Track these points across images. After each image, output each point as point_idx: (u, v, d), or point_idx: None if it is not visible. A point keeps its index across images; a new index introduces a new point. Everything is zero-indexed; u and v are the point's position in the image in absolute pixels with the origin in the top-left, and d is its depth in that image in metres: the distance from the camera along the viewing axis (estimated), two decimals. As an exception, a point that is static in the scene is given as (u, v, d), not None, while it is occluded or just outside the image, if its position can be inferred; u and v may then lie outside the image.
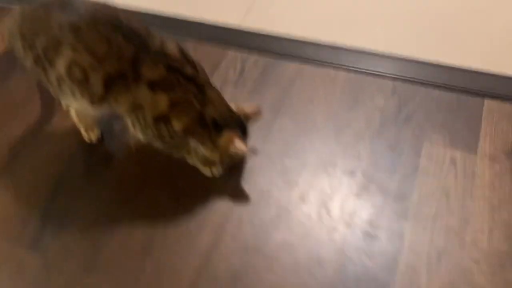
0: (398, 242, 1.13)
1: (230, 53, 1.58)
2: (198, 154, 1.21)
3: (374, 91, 1.44)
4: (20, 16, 1.12)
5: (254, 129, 1.35)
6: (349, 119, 1.38)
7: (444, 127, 1.33)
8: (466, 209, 1.18)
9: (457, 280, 1.06)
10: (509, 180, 1.22)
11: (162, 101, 1.06)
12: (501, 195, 1.20)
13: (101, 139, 1.35)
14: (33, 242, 1.15)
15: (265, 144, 1.33)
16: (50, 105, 1.44)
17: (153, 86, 1.05)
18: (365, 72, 1.48)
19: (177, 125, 1.08)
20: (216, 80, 1.50)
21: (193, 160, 1.23)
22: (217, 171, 1.24)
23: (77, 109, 1.29)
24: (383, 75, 1.47)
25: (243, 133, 1.17)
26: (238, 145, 1.11)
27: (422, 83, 1.43)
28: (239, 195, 1.22)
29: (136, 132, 1.15)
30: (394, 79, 1.46)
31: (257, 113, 1.21)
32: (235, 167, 1.26)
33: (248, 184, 1.25)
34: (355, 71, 1.49)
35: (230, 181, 1.25)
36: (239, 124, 1.16)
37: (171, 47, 1.07)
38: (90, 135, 1.34)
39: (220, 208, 1.20)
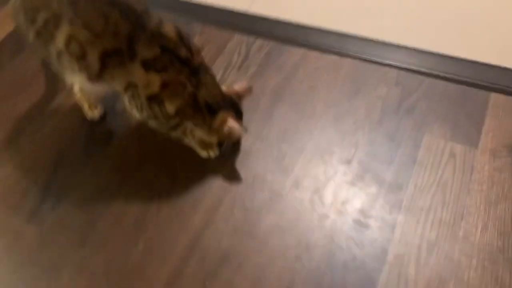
0: (389, 232, 1.12)
1: (236, 37, 1.57)
2: (195, 136, 1.22)
3: (378, 80, 1.42)
4: None
5: (253, 114, 1.36)
6: (349, 107, 1.36)
7: (446, 120, 1.31)
8: (462, 203, 1.16)
9: (446, 273, 1.05)
10: (508, 177, 1.20)
11: (155, 81, 1.07)
12: (499, 191, 1.18)
13: (103, 117, 1.38)
14: (31, 214, 1.18)
15: (263, 128, 1.33)
16: (55, 82, 1.47)
17: (147, 65, 1.06)
18: (370, 60, 1.46)
19: (169, 106, 1.09)
20: (220, 63, 1.50)
21: (189, 142, 1.24)
22: (213, 153, 1.25)
23: (80, 86, 1.31)
24: (388, 64, 1.44)
25: (237, 114, 1.17)
26: (232, 124, 1.11)
27: (428, 74, 1.41)
28: (234, 178, 1.23)
29: (132, 111, 1.17)
30: (399, 68, 1.43)
31: (247, 90, 1.22)
32: (231, 149, 1.27)
33: (244, 167, 1.25)
34: (360, 59, 1.47)
35: (226, 164, 1.26)
36: (233, 105, 1.17)
37: (168, 28, 1.08)
38: (92, 113, 1.36)
39: (214, 189, 1.22)
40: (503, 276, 1.05)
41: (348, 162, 1.25)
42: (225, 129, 1.12)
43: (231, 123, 1.12)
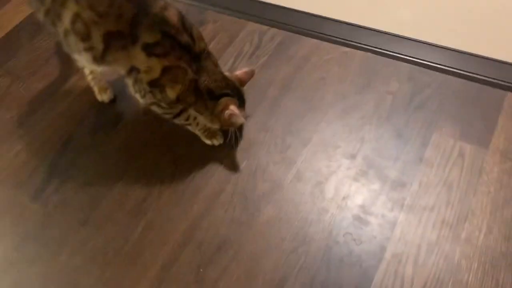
0: (389, 230, 1.10)
1: (249, 25, 1.56)
2: (198, 124, 1.22)
3: (389, 74, 1.38)
4: None
5: (260, 103, 1.35)
6: (358, 101, 1.34)
7: (457, 119, 1.27)
8: (467, 204, 1.13)
9: (445, 274, 1.03)
10: (519, 180, 1.16)
11: (156, 66, 1.07)
12: (508, 194, 1.14)
13: (113, 101, 1.39)
14: (36, 193, 1.21)
15: (269, 119, 1.32)
16: (69, 64, 1.49)
17: (148, 50, 1.06)
18: (383, 54, 1.42)
19: (170, 92, 1.10)
20: (231, 52, 1.50)
21: (193, 128, 1.24)
22: (217, 141, 1.25)
23: (89, 69, 1.33)
24: (401, 59, 1.40)
25: (240, 100, 1.17)
26: (233, 109, 1.11)
27: (442, 70, 1.36)
28: (236, 167, 1.23)
29: (135, 95, 1.17)
30: (413, 63, 1.39)
31: (249, 74, 1.22)
32: (235, 139, 1.27)
33: (247, 157, 1.25)
34: (373, 52, 1.43)
35: (229, 153, 1.26)
36: (235, 92, 1.16)
37: (171, 13, 1.07)
38: (102, 96, 1.38)
39: (216, 177, 1.22)
40: (505, 282, 1.02)
41: (353, 157, 1.23)
42: (226, 114, 1.12)
43: (232, 109, 1.11)
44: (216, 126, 1.21)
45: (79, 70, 1.45)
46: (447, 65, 1.37)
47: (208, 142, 1.26)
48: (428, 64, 1.38)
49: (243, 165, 1.23)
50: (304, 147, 1.26)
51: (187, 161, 1.25)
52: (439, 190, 1.15)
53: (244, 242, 1.11)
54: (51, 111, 1.39)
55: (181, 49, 1.07)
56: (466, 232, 1.09)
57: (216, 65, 1.15)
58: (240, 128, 1.29)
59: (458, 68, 1.36)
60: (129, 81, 1.14)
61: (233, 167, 1.23)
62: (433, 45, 1.41)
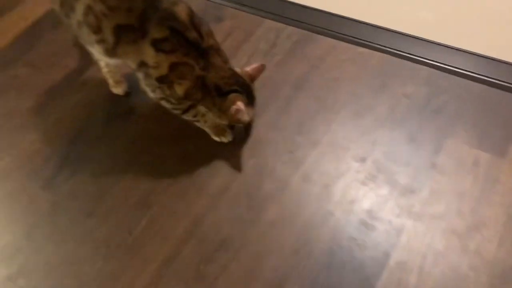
0: (395, 237, 1.07)
1: (266, 23, 1.54)
2: (207, 121, 1.22)
3: (406, 77, 1.34)
4: None
5: (271, 102, 1.34)
6: (372, 103, 1.31)
7: (474, 125, 1.22)
8: (479, 214, 1.09)
9: (450, 286, 1.00)
10: (536, 192, 1.11)
11: (163, 62, 1.07)
12: (523, 207, 1.09)
13: (127, 94, 1.40)
14: (47, 182, 1.23)
15: (280, 117, 1.31)
16: (87, 56, 1.51)
17: (157, 45, 1.06)
18: (401, 56, 1.38)
19: (178, 88, 1.10)
20: (246, 50, 1.49)
21: (201, 125, 1.24)
22: (226, 138, 1.25)
23: (104, 61, 1.34)
24: (419, 61, 1.36)
25: (250, 97, 1.16)
26: (239, 105, 1.11)
27: (462, 75, 1.32)
28: (243, 165, 1.22)
29: (146, 89, 1.18)
30: (431, 66, 1.35)
31: (259, 69, 1.21)
32: (244, 136, 1.26)
33: (255, 155, 1.24)
34: (390, 54, 1.40)
35: (237, 150, 1.25)
36: (244, 88, 1.15)
37: (180, 9, 1.07)
38: (117, 89, 1.40)
39: (222, 175, 1.21)
40: (514, 298, 0.98)
41: (363, 160, 1.20)
42: (232, 109, 1.11)
43: (239, 104, 1.11)
44: (224, 122, 1.20)
45: (96, 63, 1.47)
46: (467, 69, 1.32)
47: (217, 139, 1.25)
48: (447, 68, 1.33)
49: (250, 163, 1.22)
50: (313, 148, 1.24)
51: (195, 156, 1.25)
52: (450, 199, 1.11)
53: (246, 241, 1.10)
54: (67, 102, 1.41)
55: (189, 46, 1.07)
56: (476, 244, 1.05)
57: (225, 61, 1.14)
58: (250, 125, 1.28)
59: (479, 73, 1.31)
60: (139, 75, 1.15)
61: (240, 165, 1.22)
62: (454, 48, 1.36)
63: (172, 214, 1.16)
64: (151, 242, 1.12)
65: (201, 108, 1.18)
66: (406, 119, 1.26)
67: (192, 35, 1.07)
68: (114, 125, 1.34)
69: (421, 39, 1.40)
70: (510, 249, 1.03)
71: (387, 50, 1.40)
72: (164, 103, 1.18)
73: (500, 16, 1.44)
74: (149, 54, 1.07)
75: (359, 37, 1.43)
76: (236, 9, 1.60)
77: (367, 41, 1.42)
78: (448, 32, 1.40)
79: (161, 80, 1.10)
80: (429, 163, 1.18)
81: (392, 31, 1.43)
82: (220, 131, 1.24)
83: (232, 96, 1.13)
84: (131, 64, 1.14)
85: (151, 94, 1.18)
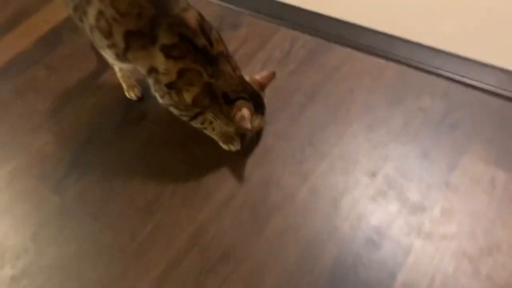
0: (402, 257, 1.03)
1: (282, 31, 1.52)
2: (215, 128, 1.21)
3: (423, 89, 1.30)
4: None
5: (282, 111, 1.32)
6: (386, 116, 1.27)
7: (492, 142, 1.17)
8: (492, 237, 1.03)
9: (458, 312, 0.95)
10: (556, 216, 1.05)
11: (172, 68, 1.07)
12: (542, 231, 1.03)
13: (140, 99, 1.41)
14: (56, 184, 1.25)
15: (291, 127, 1.28)
16: (102, 61, 1.53)
17: (166, 51, 1.06)
18: (419, 67, 1.34)
19: (186, 95, 1.09)
20: (260, 57, 1.47)
21: (209, 132, 1.23)
22: (234, 146, 1.23)
23: (117, 66, 1.35)
24: (438, 74, 1.32)
25: (258, 105, 1.15)
26: (244, 112, 1.09)
27: (481, 89, 1.26)
28: (250, 175, 1.20)
29: (156, 95, 1.18)
30: (450, 80, 1.30)
31: (269, 77, 1.20)
32: (253, 146, 1.24)
33: (262, 165, 1.22)
34: (408, 65, 1.35)
35: (244, 159, 1.24)
36: (253, 96, 1.14)
37: (189, 16, 1.07)
38: (130, 93, 1.40)
39: (229, 184, 1.20)
40: (527, 328, 0.92)
41: (373, 174, 1.17)
42: (237, 116, 1.10)
43: (243, 111, 1.10)
44: (232, 129, 1.19)
45: (111, 67, 1.48)
46: (487, 83, 1.26)
47: (225, 147, 1.24)
48: (466, 82, 1.28)
49: (257, 172, 1.21)
50: (322, 160, 1.21)
51: (203, 163, 1.24)
52: (463, 219, 1.07)
53: (249, 253, 1.08)
54: (81, 105, 1.43)
55: (197, 52, 1.07)
56: (488, 268, 1.00)
57: (234, 69, 1.13)
58: (259, 134, 1.27)
59: (499, 87, 1.25)
60: (149, 81, 1.15)
61: (247, 174, 1.21)
62: (474, 61, 1.31)
63: (176, 221, 1.15)
64: (154, 248, 1.11)
65: (209, 116, 1.18)
66: (420, 133, 1.22)
67: (201, 41, 1.07)
68: (125, 130, 1.35)
69: (440, 51, 1.35)
70: (525, 276, 0.98)
71: (404, 62, 1.36)
72: (172, 109, 1.18)
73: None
74: (160, 60, 1.07)
75: (376, 47, 1.40)
76: (252, 16, 1.58)
77: (384, 51, 1.39)
78: (469, 44, 1.35)
79: (170, 86, 1.10)
80: (443, 180, 1.13)
81: (410, 42, 1.39)
82: (228, 139, 1.23)
83: (238, 103, 1.12)
84: (141, 69, 1.14)
85: (160, 100, 1.18)
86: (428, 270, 1.01)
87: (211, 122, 1.20)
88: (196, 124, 1.20)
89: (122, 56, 1.13)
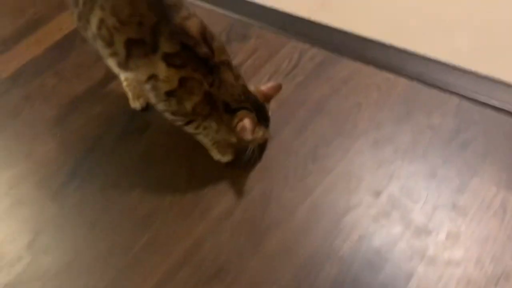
0: (404, 282, 0.98)
1: (291, 43, 1.50)
2: (208, 134, 1.19)
3: (434, 106, 1.25)
4: None
5: (287, 124, 1.29)
6: (394, 133, 1.22)
7: (505, 164, 1.11)
8: (502, 265, 0.98)
9: None
10: None
11: (173, 76, 1.06)
12: (555, 260, 0.97)
13: (144, 109, 1.40)
14: (57, 192, 1.24)
15: (295, 140, 1.25)
16: (111, 69, 1.54)
17: (168, 60, 1.05)
18: (431, 83, 1.29)
19: (187, 103, 1.08)
20: (267, 69, 1.45)
21: (201, 138, 1.21)
22: (226, 157, 1.22)
23: (122, 75, 1.35)
24: (449, 91, 1.27)
25: (261, 117, 1.12)
26: (246, 123, 1.07)
27: (495, 108, 1.21)
28: (250, 189, 1.17)
29: (150, 100, 1.17)
30: (462, 97, 1.25)
31: (275, 90, 1.17)
32: (254, 159, 1.21)
33: (263, 179, 1.19)
34: (419, 81, 1.31)
35: (245, 173, 1.21)
36: (256, 107, 1.12)
37: (192, 24, 1.05)
38: (135, 103, 1.40)
39: (228, 198, 1.17)
40: None
41: (377, 194, 1.12)
42: (238, 126, 1.08)
43: (245, 122, 1.07)
44: (233, 140, 1.17)
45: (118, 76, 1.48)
46: (502, 101, 1.21)
47: (216, 157, 1.22)
48: (480, 99, 1.23)
49: (257, 187, 1.18)
50: (326, 176, 1.17)
51: (203, 176, 1.22)
52: (470, 244, 1.01)
53: (244, 271, 1.05)
54: (87, 113, 1.43)
55: (198, 61, 1.05)
56: (496, 298, 0.94)
57: (237, 78, 1.11)
58: (263, 146, 1.24)
59: (515, 106, 1.20)
60: (146, 86, 1.13)
61: (247, 188, 1.18)
62: (489, 78, 1.26)
63: (173, 234, 1.13)
64: (149, 260, 1.09)
65: (204, 122, 1.16)
66: (429, 152, 1.17)
67: (202, 50, 1.05)
68: (128, 139, 1.34)
69: (453, 66, 1.30)
70: (535, 309, 0.92)
71: (415, 77, 1.31)
72: (167, 114, 1.17)
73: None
74: (161, 69, 1.06)
75: (386, 61, 1.36)
76: (262, 28, 1.56)
77: (394, 65, 1.34)
78: (483, 60, 1.29)
79: (170, 94, 1.09)
80: (450, 202, 1.08)
81: (422, 56, 1.34)
82: (221, 148, 1.21)
83: (240, 113, 1.10)
84: (141, 77, 1.13)
85: (155, 105, 1.16)
86: (430, 298, 0.96)
87: (205, 128, 1.18)
88: (190, 129, 1.19)
89: (124, 65, 1.13)
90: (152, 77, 1.09)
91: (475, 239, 1.02)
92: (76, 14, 1.16)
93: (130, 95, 1.40)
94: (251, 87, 1.16)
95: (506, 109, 1.20)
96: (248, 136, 1.08)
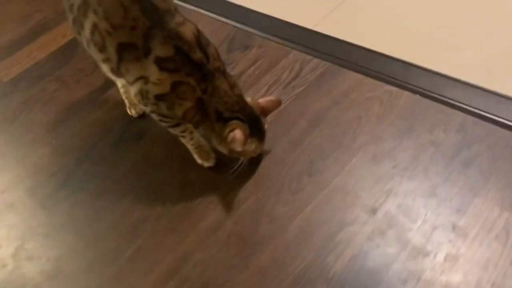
0: (397, 306, 0.93)
1: (293, 54, 1.46)
2: (193, 138, 1.17)
3: (437, 121, 1.20)
4: None
5: (283, 136, 1.26)
6: (394, 147, 1.18)
7: (509, 183, 1.05)
8: (504, 292, 0.91)
9: None
10: None
11: (166, 80, 1.03)
12: (561, 289, 0.90)
13: (141, 116, 1.38)
14: (46, 199, 1.22)
15: (291, 153, 1.21)
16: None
17: (160, 64, 1.03)
18: (434, 97, 1.24)
19: (178, 108, 1.06)
20: (267, 79, 1.42)
21: (186, 141, 1.19)
22: (208, 162, 1.20)
23: (119, 82, 1.33)
24: (454, 105, 1.21)
25: (255, 129, 1.09)
26: (237, 134, 1.04)
27: (501, 124, 1.15)
28: (242, 202, 1.13)
29: (135, 100, 1.14)
30: (467, 112, 1.20)
31: (274, 104, 1.15)
32: (248, 171, 1.17)
33: (256, 192, 1.15)
34: (422, 95, 1.26)
35: (238, 185, 1.17)
36: (250, 119, 1.09)
37: (186, 30, 1.04)
38: (131, 110, 1.38)
39: (218, 211, 1.13)
40: None
41: (373, 211, 1.07)
42: (229, 136, 1.05)
43: (235, 132, 1.04)
44: (224, 151, 1.13)
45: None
46: (508, 118, 1.15)
47: (199, 161, 1.20)
48: (485, 115, 1.17)
49: (249, 201, 1.14)
50: (320, 191, 1.13)
51: (194, 187, 1.19)
52: (469, 268, 0.95)
53: (231, 287, 1.00)
54: (84, 119, 1.41)
55: (192, 66, 1.03)
56: (494, 328, 0.88)
57: (232, 87, 1.08)
58: (258, 159, 1.20)
59: (522, 123, 1.14)
60: (132, 88, 1.11)
61: (239, 201, 1.14)
62: (494, 94, 1.20)
63: (159, 247, 1.09)
64: (133, 274, 1.06)
65: (190, 126, 1.13)
66: (430, 169, 1.12)
67: (197, 56, 1.03)
68: (122, 147, 1.32)
69: (458, 81, 1.25)
70: None
71: (418, 90, 1.26)
72: (154, 115, 1.14)
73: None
74: (153, 71, 1.04)
75: (389, 74, 1.31)
76: (265, 38, 1.54)
77: (396, 78, 1.30)
78: (489, 75, 1.24)
79: (159, 98, 1.06)
80: (450, 223, 1.02)
81: (426, 70, 1.29)
82: (203, 153, 1.19)
83: (232, 123, 1.07)
84: (129, 79, 1.10)
85: (142, 106, 1.14)
86: (424, 324, 0.90)
87: (191, 132, 1.15)
88: (175, 131, 1.16)
89: (116, 70, 1.11)
90: (141, 79, 1.06)
91: (475, 263, 0.96)
92: (71, 19, 1.15)
93: (127, 102, 1.38)
94: (248, 99, 1.14)
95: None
96: (238, 147, 1.04)
